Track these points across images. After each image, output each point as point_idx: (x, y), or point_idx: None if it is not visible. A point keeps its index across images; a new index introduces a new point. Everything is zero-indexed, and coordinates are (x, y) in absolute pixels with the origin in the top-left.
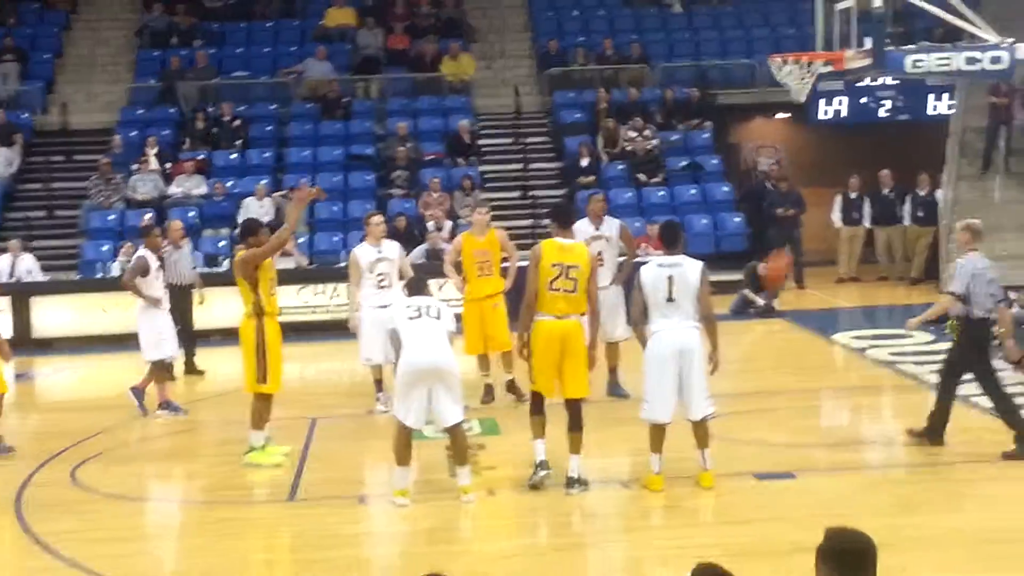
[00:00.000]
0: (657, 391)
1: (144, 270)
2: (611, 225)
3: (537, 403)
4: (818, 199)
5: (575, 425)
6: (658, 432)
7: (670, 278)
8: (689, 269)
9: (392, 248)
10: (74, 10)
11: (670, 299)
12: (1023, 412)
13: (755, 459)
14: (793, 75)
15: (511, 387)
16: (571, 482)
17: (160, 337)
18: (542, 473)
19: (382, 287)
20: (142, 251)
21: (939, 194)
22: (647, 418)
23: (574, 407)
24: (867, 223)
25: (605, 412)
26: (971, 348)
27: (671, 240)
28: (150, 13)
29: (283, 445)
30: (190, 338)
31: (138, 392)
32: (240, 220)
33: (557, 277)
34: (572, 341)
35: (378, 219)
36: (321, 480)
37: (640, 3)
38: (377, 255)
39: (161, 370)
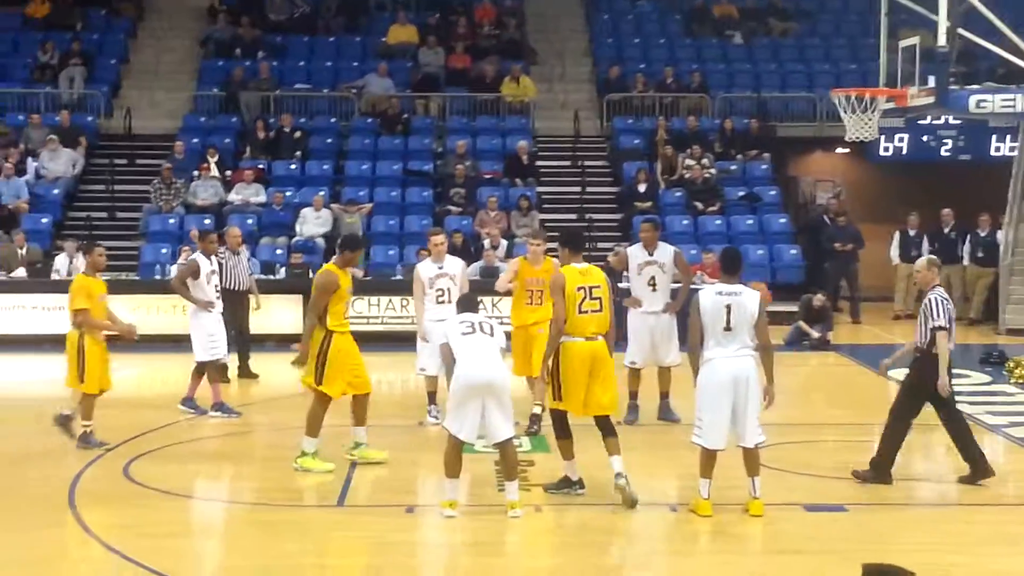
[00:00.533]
0: (711, 418)
1: (194, 273)
2: (665, 251)
3: (563, 426)
4: (876, 235)
5: (609, 433)
6: (709, 458)
7: (728, 307)
8: (748, 298)
9: (454, 264)
10: (140, 18)
11: (728, 328)
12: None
13: (805, 490)
14: (859, 123)
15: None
16: (619, 475)
17: (211, 339)
18: (580, 491)
19: (440, 302)
20: (196, 255)
21: (1000, 235)
22: (699, 443)
23: (604, 420)
24: None
25: (656, 436)
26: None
27: (731, 268)
28: (215, 24)
29: (381, 451)
30: (245, 343)
31: (188, 401)
32: (299, 229)
33: (584, 299)
34: (600, 361)
35: (439, 238)
36: (370, 488)
37: (701, 33)
38: (438, 271)
39: (215, 371)
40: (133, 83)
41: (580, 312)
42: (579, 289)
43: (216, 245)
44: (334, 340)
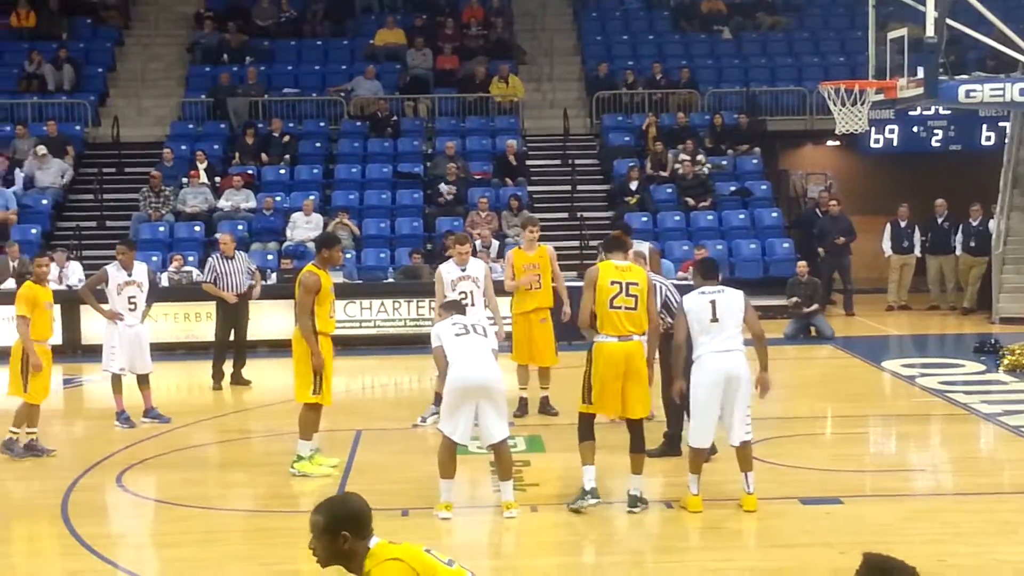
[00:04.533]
0: (699, 417)
1: (104, 283)
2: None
3: (587, 428)
4: (869, 227)
5: (637, 446)
6: (698, 454)
7: (713, 302)
8: (732, 295)
9: (477, 267)
10: (127, 26)
11: (715, 319)
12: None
13: (801, 483)
14: (848, 116)
15: (544, 405)
16: (633, 501)
17: (111, 351)
18: (592, 501)
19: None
20: (110, 265)
21: (991, 224)
22: (692, 444)
23: (636, 427)
24: (917, 251)
25: (650, 431)
26: None
27: (710, 274)
28: (201, 30)
29: (331, 457)
30: (241, 349)
31: (119, 414)
32: (289, 234)
33: (618, 294)
34: (635, 361)
35: (464, 247)
36: (365, 492)
37: (689, 29)
38: (460, 273)
39: (116, 383)
40: (121, 91)
41: (612, 307)
42: (613, 283)
43: (133, 255)
44: (322, 344)
